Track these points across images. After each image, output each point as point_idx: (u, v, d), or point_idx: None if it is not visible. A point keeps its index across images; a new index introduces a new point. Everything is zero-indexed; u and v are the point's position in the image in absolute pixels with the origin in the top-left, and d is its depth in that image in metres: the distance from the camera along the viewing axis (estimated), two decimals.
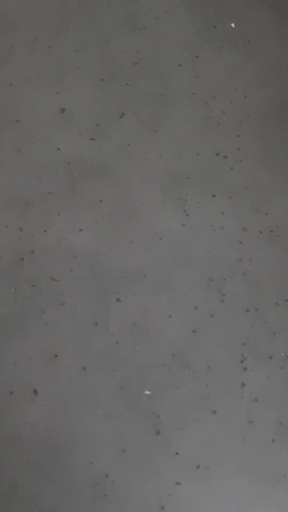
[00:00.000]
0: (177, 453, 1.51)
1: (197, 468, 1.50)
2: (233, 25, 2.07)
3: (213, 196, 1.81)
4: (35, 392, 1.54)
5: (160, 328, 1.63)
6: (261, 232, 1.77)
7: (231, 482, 1.49)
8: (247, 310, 1.67)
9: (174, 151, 1.86)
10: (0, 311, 1.61)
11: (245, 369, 1.60)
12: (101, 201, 1.77)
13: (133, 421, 1.53)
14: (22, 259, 1.68)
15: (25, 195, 1.76)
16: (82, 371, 1.57)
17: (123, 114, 1.90)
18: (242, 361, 1.61)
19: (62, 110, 1.89)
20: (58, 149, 1.84)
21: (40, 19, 2.02)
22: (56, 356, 1.57)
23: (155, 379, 1.57)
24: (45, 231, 1.72)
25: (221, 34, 2.05)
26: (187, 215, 1.77)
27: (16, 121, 1.87)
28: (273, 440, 1.53)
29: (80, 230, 1.73)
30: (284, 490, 1.49)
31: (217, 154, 1.87)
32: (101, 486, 1.47)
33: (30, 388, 1.54)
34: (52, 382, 1.55)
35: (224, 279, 1.70)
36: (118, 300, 1.65)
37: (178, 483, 1.49)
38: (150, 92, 1.94)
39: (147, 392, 1.56)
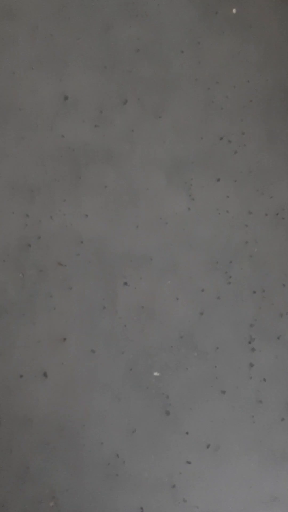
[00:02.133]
0: (187, 433, 1.52)
1: (207, 447, 1.52)
2: (234, 10, 2.08)
3: (218, 180, 1.82)
4: (45, 375, 1.56)
5: (167, 310, 1.64)
6: (266, 214, 1.78)
7: (241, 460, 1.51)
8: (254, 292, 1.68)
9: (178, 136, 1.87)
10: (9, 296, 1.63)
11: (253, 349, 1.62)
12: (106, 186, 1.78)
13: (142, 402, 1.54)
14: (29, 245, 1.69)
15: (31, 182, 1.77)
16: (91, 353, 1.58)
17: (126, 100, 1.91)
18: (250, 342, 1.62)
19: (65, 98, 1.90)
20: (62, 136, 1.84)
21: (41, 7, 2.02)
22: (64, 339, 1.59)
23: (163, 360, 1.59)
24: (51, 217, 1.73)
25: (223, 19, 2.06)
26: (192, 199, 1.79)
27: (19, 109, 1.87)
28: (282, 419, 1.55)
29: (86, 215, 1.74)
30: None
31: (221, 138, 1.88)
32: (112, 466, 1.49)
33: (40, 371, 1.56)
34: (61, 365, 1.57)
35: (231, 262, 1.71)
36: (125, 283, 1.66)
37: (188, 462, 1.51)
38: (152, 79, 1.95)
39: (156, 374, 1.58)
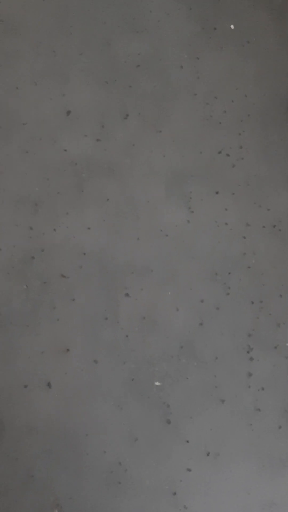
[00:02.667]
0: (187, 441, 1.56)
1: (207, 454, 1.55)
2: (232, 26, 2.12)
3: (217, 193, 1.86)
4: (49, 385, 1.59)
5: (168, 321, 1.68)
6: (263, 227, 1.82)
7: (239, 467, 1.54)
8: (252, 302, 1.72)
9: (178, 150, 1.91)
10: (13, 307, 1.66)
11: (251, 359, 1.65)
12: (108, 199, 1.82)
13: (144, 411, 1.58)
14: (33, 257, 1.73)
15: (34, 195, 1.81)
16: (94, 364, 1.62)
17: (127, 115, 1.95)
18: (248, 352, 1.66)
19: (68, 112, 1.93)
20: (65, 150, 1.88)
21: (44, 23, 2.06)
22: (68, 350, 1.63)
23: (164, 370, 1.62)
24: (54, 229, 1.77)
25: (221, 35, 2.10)
26: (192, 211, 1.82)
27: (23, 124, 1.91)
28: (280, 427, 1.59)
29: (88, 228, 1.78)
30: None
31: (219, 152, 1.92)
32: (115, 474, 1.52)
33: (44, 381, 1.59)
34: (65, 375, 1.60)
35: (229, 273, 1.75)
36: (126, 295, 1.70)
37: (189, 470, 1.54)
38: (153, 93, 1.98)
39: (157, 383, 1.61)
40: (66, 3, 2.06)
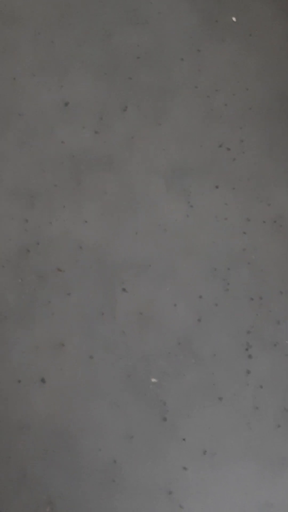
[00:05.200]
0: (184, 439, 1.53)
1: (204, 453, 1.53)
2: (234, 18, 2.09)
3: (217, 187, 1.83)
4: (43, 380, 1.56)
5: (165, 317, 1.65)
6: (264, 222, 1.79)
7: (237, 467, 1.52)
8: (252, 299, 1.69)
9: (178, 144, 1.88)
10: (8, 301, 1.63)
11: (250, 356, 1.63)
12: (105, 193, 1.79)
13: (140, 408, 1.55)
14: (28, 251, 1.70)
15: (30, 188, 1.78)
16: (89, 359, 1.59)
17: (126, 107, 1.92)
18: (247, 349, 1.63)
19: (66, 104, 1.91)
20: (62, 142, 1.85)
21: (43, 13, 2.04)
22: (63, 345, 1.60)
23: (161, 367, 1.60)
24: (50, 222, 1.74)
25: (223, 27, 2.07)
26: (191, 206, 1.80)
27: (19, 115, 1.88)
28: (279, 426, 1.56)
29: (85, 221, 1.75)
30: None
31: (220, 146, 1.89)
32: (109, 472, 1.49)
33: (38, 376, 1.57)
34: (59, 371, 1.57)
35: (228, 269, 1.72)
36: (123, 290, 1.67)
37: (185, 469, 1.51)
38: (153, 86, 1.96)
39: (153, 380, 1.58)
40: None
